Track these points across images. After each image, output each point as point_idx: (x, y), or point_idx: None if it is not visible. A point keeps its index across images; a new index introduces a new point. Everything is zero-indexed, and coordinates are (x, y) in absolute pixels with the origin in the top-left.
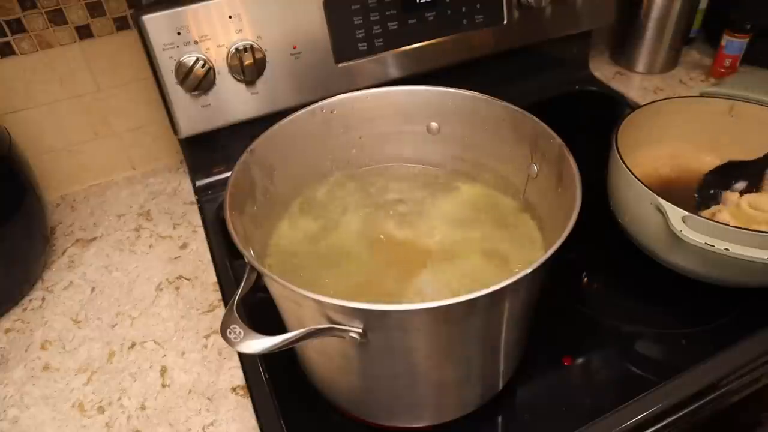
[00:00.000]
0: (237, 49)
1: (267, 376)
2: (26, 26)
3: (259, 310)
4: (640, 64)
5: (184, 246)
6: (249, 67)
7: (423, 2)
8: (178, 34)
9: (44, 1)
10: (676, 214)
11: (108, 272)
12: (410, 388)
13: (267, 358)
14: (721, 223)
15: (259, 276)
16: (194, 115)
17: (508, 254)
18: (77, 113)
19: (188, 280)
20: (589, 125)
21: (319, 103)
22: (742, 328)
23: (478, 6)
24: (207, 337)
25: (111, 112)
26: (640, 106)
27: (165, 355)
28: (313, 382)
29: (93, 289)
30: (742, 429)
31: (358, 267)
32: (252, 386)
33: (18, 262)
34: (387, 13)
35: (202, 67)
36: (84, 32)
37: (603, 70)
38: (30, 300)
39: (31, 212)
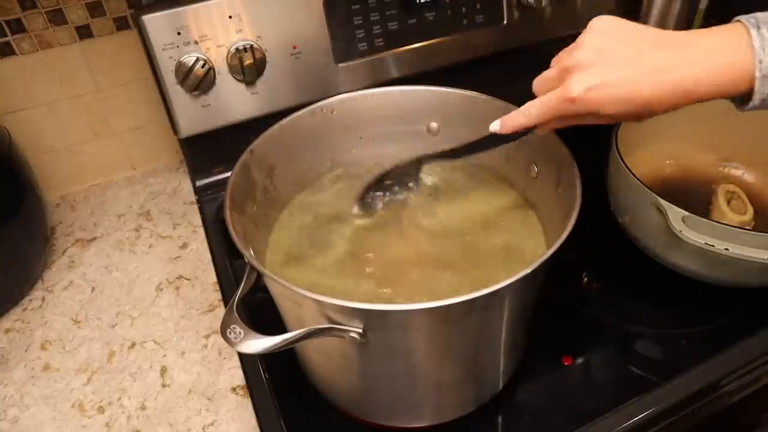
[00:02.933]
0: (237, 49)
1: (267, 376)
2: (26, 26)
3: (259, 310)
4: None
5: (184, 246)
6: (249, 67)
7: (423, 2)
8: (178, 34)
9: (44, 1)
10: (676, 214)
11: (108, 272)
12: (410, 388)
13: (267, 358)
14: (721, 223)
15: (259, 276)
16: (194, 115)
17: (508, 254)
18: (77, 113)
19: (188, 280)
20: (589, 125)
21: (319, 103)
22: (742, 328)
23: (478, 6)
24: (207, 337)
25: (111, 112)
26: None
27: (165, 355)
28: (313, 382)
29: (93, 289)
30: (742, 429)
31: (360, 268)
32: (252, 386)
33: (18, 262)
34: (387, 13)
35: (202, 67)
36: (84, 32)
37: None
38: (30, 300)
39: (31, 212)
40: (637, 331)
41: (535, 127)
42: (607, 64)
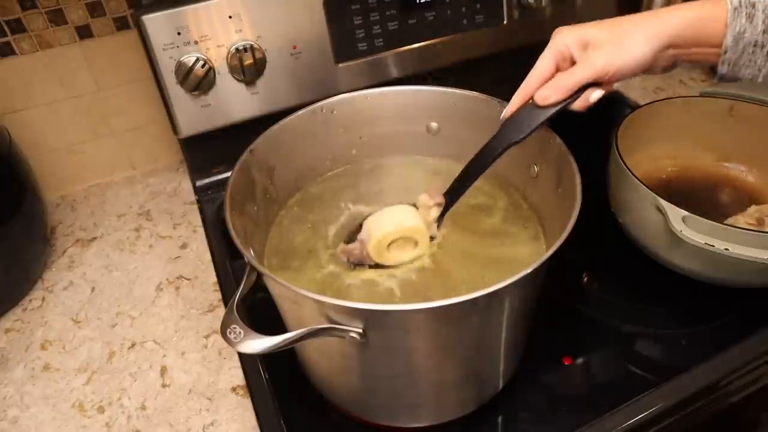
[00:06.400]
0: (237, 49)
1: (267, 376)
2: (26, 26)
3: (259, 310)
4: None
5: (184, 246)
6: (249, 67)
7: (423, 2)
8: (178, 34)
9: (44, 1)
10: (676, 214)
11: (108, 272)
12: (410, 388)
13: (267, 358)
14: (721, 223)
15: (259, 276)
16: (194, 115)
17: (509, 255)
18: (77, 113)
19: (188, 280)
20: (589, 125)
21: (319, 103)
22: (742, 328)
23: (478, 6)
24: (207, 337)
25: (111, 112)
26: (640, 106)
27: (165, 355)
28: (313, 382)
29: (93, 289)
30: (742, 429)
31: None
32: (252, 386)
33: (18, 262)
34: (387, 13)
35: (202, 67)
36: (84, 32)
37: None
38: (30, 300)
39: (31, 212)
40: (637, 331)
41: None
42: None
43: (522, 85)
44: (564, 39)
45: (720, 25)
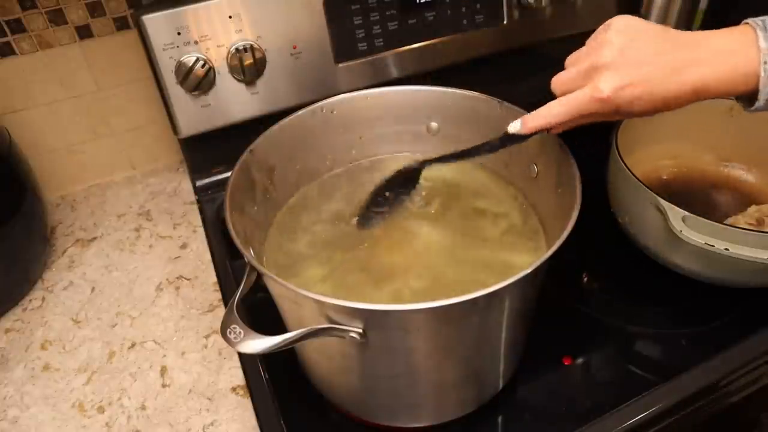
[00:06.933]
0: (237, 49)
1: (267, 376)
2: (26, 26)
3: (259, 310)
4: None
5: (184, 246)
6: (249, 67)
7: (423, 2)
8: (178, 34)
9: (44, 1)
10: (676, 214)
11: (108, 272)
12: (410, 388)
13: (267, 358)
14: (720, 222)
15: (259, 276)
16: (194, 115)
17: (508, 255)
18: (77, 113)
19: (188, 280)
20: (589, 125)
21: (319, 103)
22: (742, 328)
23: (478, 6)
24: (207, 337)
25: (111, 112)
26: None
27: (165, 355)
28: (313, 382)
29: (93, 289)
30: (742, 429)
31: (359, 266)
32: (252, 386)
33: (18, 262)
34: (387, 13)
35: (202, 67)
36: (84, 32)
37: None
38: (30, 300)
39: (31, 212)
40: (637, 331)
41: (551, 128)
42: (632, 64)
43: (540, 116)
44: (592, 108)
45: (751, 85)
